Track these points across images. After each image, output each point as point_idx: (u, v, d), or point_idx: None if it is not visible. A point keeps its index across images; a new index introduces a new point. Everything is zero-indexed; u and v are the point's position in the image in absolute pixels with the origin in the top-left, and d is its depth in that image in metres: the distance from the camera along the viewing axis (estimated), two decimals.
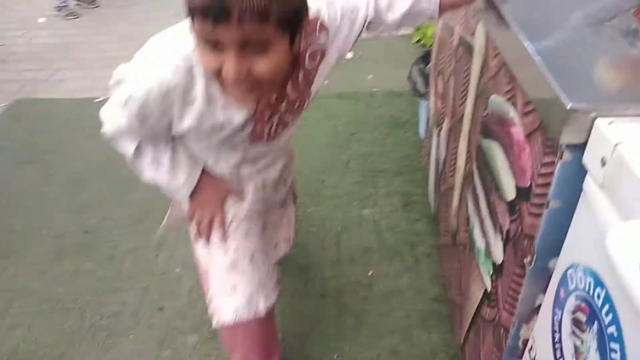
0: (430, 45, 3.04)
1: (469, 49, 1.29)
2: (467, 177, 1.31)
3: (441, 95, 1.74)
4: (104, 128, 1.04)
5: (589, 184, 0.70)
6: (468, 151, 1.31)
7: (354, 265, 1.87)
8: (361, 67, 3.24)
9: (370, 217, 2.09)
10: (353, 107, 2.85)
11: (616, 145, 0.63)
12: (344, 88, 3.00)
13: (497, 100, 1.03)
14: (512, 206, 0.94)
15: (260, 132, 1.03)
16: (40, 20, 4.08)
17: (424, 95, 2.27)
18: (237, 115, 0.95)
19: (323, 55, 1.00)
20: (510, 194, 0.95)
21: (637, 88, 0.76)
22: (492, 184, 1.07)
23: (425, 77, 2.25)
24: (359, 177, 2.30)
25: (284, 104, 1.01)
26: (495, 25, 1.03)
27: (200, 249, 1.19)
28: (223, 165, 1.11)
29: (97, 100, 2.85)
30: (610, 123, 0.66)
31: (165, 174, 1.05)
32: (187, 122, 0.94)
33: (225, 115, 0.94)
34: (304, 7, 0.82)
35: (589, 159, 0.69)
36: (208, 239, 1.16)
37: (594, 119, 0.68)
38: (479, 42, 1.19)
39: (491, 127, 1.09)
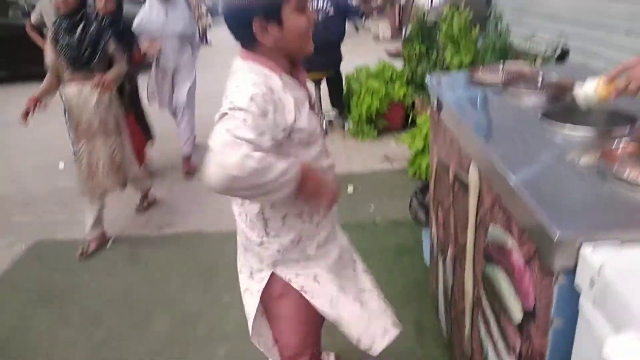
0: (426, 178, 3.28)
1: (464, 185, 1.47)
2: (476, 302, 1.40)
3: (442, 224, 1.89)
4: (222, 155, 1.02)
5: (583, 302, 0.80)
6: (474, 277, 1.42)
7: None
8: (362, 199, 3.45)
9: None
10: (358, 236, 2.97)
11: (600, 268, 0.75)
12: (346, 219, 3.16)
13: (496, 231, 1.17)
14: (520, 327, 1.03)
15: (315, 116, 1.28)
16: (61, 166, 4.39)
17: (425, 224, 2.43)
18: (302, 92, 1.25)
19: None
20: (518, 316, 1.04)
21: (615, 215, 0.89)
22: (500, 308, 1.16)
23: (425, 208, 2.43)
24: None
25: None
26: (486, 165, 1.20)
27: (327, 308, 1.40)
28: (311, 157, 1.26)
29: (111, 239, 3.00)
30: (594, 248, 0.79)
31: (279, 164, 1.07)
32: (289, 117, 1.16)
33: (297, 95, 1.21)
34: None
35: (580, 280, 0.81)
36: (332, 204, 1.32)
37: (580, 245, 0.80)
38: (473, 179, 1.37)
39: (493, 255, 1.21)
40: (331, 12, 4.47)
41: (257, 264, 1.38)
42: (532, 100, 1.52)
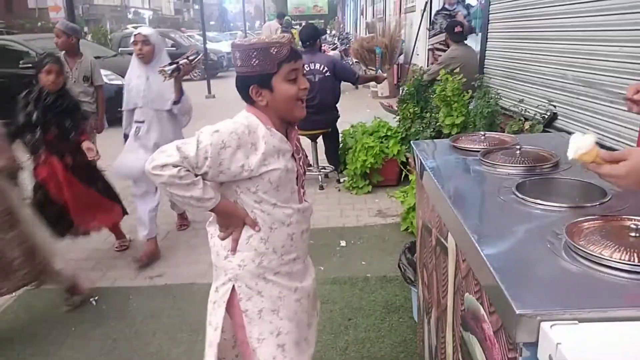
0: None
1: (444, 250, 1.52)
2: None
3: (427, 285, 1.93)
4: (161, 157, 1.39)
5: None
6: (454, 341, 1.45)
7: None
8: (354, 254, 3.49)
9: None
10: (348, 292, 3.00)
11: (557, 344, 0.79)
12: (338, 273, 3.20)
13: (470, 299, 1.22)
14: None
15: (298, 174, 1.54)
16: None
17: (413, 283, 2.46)
18: (286, 145, 1.48)
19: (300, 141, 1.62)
20: None
21: (575, 294, 0.94)
22: None
23: (413, 266, 2.46)
24: None
25: (298, 144, 1.59)
26: (459, 236, 1.26)
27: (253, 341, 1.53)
28: (280, 211, 1.50)
29: (103, 287, 3.01)
30: (552, 326, 0.84)
31: (199, 190, 1.41)
32: (254, 159, 1.41)
33: (279, 145, 1.46)
34: None
35: (541, 355, 0.85)
36: (234, 240, 1.51)
37: (540, 322, 0.85)
38: (451, 247, 1.42)
39: (468, 322, 1.25)
40: (328, 73, 4.67)
41: (222, 277, 1.56)
42: (509, 170, 1.60)
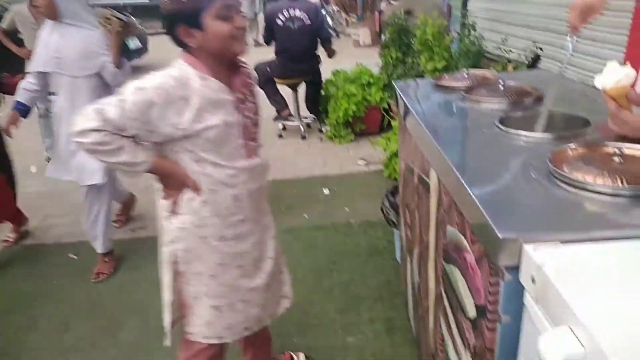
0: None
1: (426, 187, 1.51)
2: (438, 300, 1.44)
3: (409, 225, 1.93)
4: (80, 121, 1.26)
5: (527, 299, 0.84)
6: (436, 275, 1.46)
7: None
8: (337, 201, 3.49)
9: (354, 345, 2.14)
10: (332, 237, 3.02)
11: (540, 266, 0.79)
12: (322, 221, 3.20)
13: (452, 231, 1.21)
14: (474, 323, 1.07)
15: (245, 127, 1.41)
16: (33, 169, 4.32)
17: (396, 225, 2.47)
18: (226, 95, 1.34)
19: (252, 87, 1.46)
20: (472, 312, 1.08)
21: (557, 216, 0.94)
22: (457, 305, 1.20)
23: (396, 209, 2.47)
24: (342, 304, 2.39)
25: (248, 91, 1.43)
26: (442, 169, 1.24)
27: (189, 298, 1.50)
28: (223, 171, 1.38)
29: (85, 241, 2.97)
30: (535, 248, 0.83)
31: (127, 155, 1.30)
32: (187, 115, 1.28)
33: (217, 97, 1.32)
34: None
35: (523, 278, 0.84)
36: (173, 202, 1.41)
37: (522, 245, 0.84)
38: (433, 182, 1.41)
39: (450, 254, 1.25)
40: (307, 22, 4.51)
41: (165, 237, 1.47)
42: (492, 106, 1.57)
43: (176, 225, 1.43)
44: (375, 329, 2.22)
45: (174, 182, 1.39)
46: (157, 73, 1.30)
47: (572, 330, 0.69)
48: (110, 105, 1.25)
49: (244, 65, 1.45)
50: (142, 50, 8.54)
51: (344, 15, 10.44)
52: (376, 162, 4.12)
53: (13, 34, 4.19)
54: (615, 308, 0.69)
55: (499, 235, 0.85)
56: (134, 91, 1.26)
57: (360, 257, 2.79)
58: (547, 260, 0.79)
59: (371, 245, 2.90)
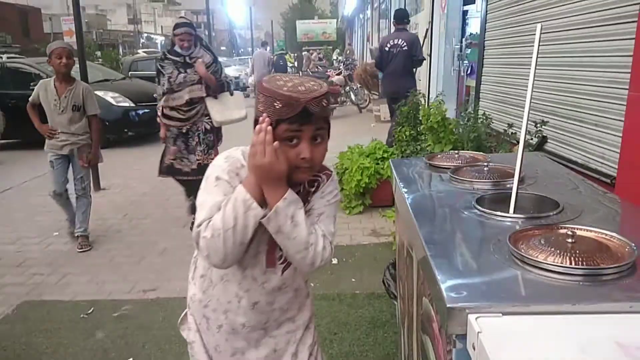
0: None
1: (411, 260, 1.60)
2: None
3: (402, 297, 1.99)
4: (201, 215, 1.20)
5: None
6: (417, 347, 1.51)
7: None
8: (345, 272, 3.55)
9: None
10: (336, 307, 3.06)
11: (478, 333, 0.87)
12: (327, 290, 3.26)
13: (425, 302, 1.29)
14: None
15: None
16: (55, 233, 4.54)
17: (396, 297, 2.52)
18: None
19: (318, 188, 1.31)
20: None
21: (503, 290, 1.02)
22: None
23: (396, 281, 2.53)
24: None
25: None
26: (417, 245, 1.35)
27: None
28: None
29: (99, 300, 3.09)
30: (477, 318, 0.91)
31: (230, 210, 1.16)
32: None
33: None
34: None
35: (468, 345, 0.92)
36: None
37: (467, 315, 0.93)
38: (415, 256, 1.50)
39: (424, 324, 1.32)
40: (405, 48, 6.29)
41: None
42: (475, 186, 1.68)
43: (191, 292, 1.47)
44: None
45: (273, 176, 1.16)
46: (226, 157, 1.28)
47: None
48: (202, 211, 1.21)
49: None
50: None
51: (366, 92, 10.92)
52: (386, 234, 4.19)
53: (40, 107, 3.96)
54: None
55: (447, 304, 0.94)
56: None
57: (362, 329, 2.80)
58: (485, 329, 0.88)
59: (374, 318, 2.92)
